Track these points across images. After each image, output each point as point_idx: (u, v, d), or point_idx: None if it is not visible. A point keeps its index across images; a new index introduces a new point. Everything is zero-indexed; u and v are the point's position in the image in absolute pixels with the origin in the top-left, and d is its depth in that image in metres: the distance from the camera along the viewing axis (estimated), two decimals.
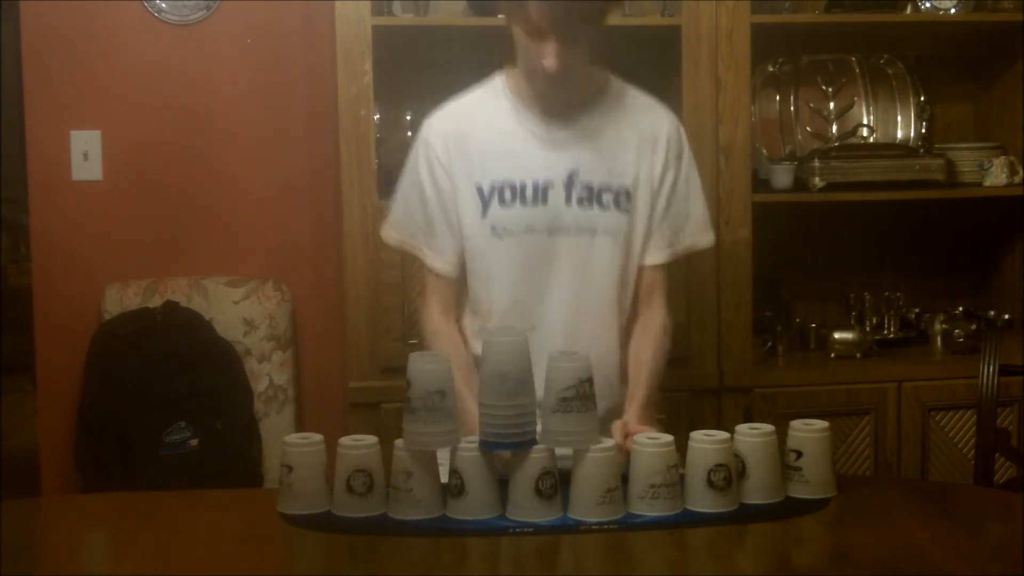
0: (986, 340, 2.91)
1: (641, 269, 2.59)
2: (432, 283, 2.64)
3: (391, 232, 2.67)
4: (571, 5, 2.37)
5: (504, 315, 2.54)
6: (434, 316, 2.62)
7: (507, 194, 2.52)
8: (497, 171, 2.53)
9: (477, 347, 2.48)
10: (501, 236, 2.53)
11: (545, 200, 2.51)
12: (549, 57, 2.39)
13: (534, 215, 2.51)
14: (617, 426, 2.41)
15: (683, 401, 3.45)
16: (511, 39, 2.47)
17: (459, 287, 2.62)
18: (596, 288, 2.55)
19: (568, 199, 2.51)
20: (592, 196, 2.52)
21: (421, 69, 3.68)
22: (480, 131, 2.56)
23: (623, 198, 2.53)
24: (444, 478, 2.25)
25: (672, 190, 2.58)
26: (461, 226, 2.56)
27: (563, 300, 2.54)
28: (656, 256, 2.59)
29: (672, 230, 2.60)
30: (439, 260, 2.60)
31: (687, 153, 2.62)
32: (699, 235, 2.64)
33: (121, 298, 3.66)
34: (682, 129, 2.64)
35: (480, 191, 2.53)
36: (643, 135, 2.57)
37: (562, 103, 2.53)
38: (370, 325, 3.39)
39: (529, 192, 2.51)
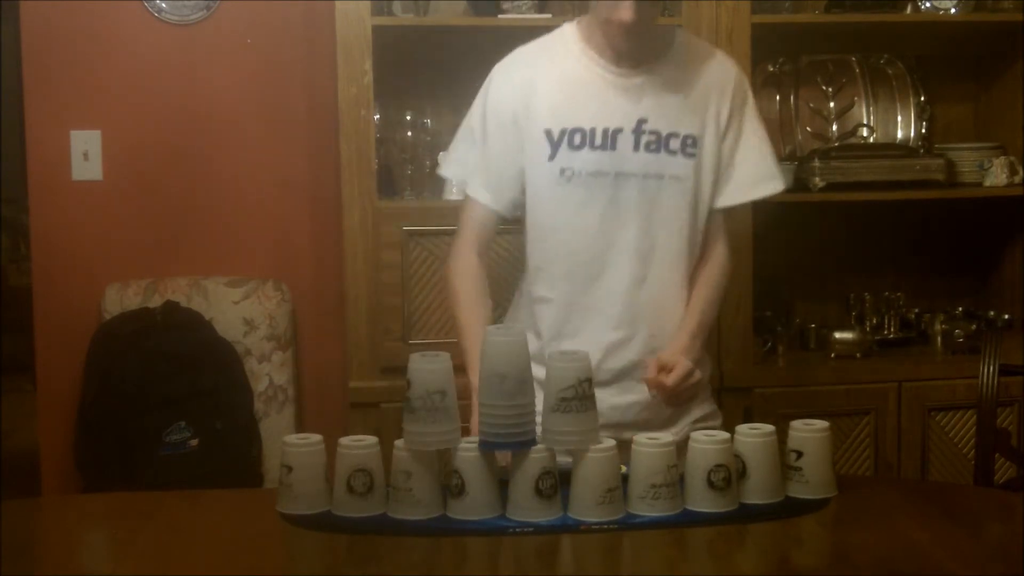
0: (986, 340, 2.91)
1: (710, 213, 2.63)
2: (471, 218, 2.67)
3: (448, 166, 2.75)
4: None
5: (567, 261, 2.59)
6: (465, 253, 2.65)
7: (576, 139, 2.56)
8: (566, 116, 2.57)
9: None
10: (569, 180, 2.56)
11: (614, 145, 2.55)
12: (626, 10, 2.45)
13: (603, 160, 2.55)
14: (651, 360, 2.51)
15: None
16: None
17: (496, 225, 2.68)
18: (664, 232, 2.59)
19: (636, 145, 2.55)
20: (660, 142, 2.56)
21: (421, 69, 3.68)
22: (550, 77, 2.61)
23: (690, 144, 2.57)
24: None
25: (738, 137, 2.63)
26: (526, 171, 2.60)
27: (631, 244, 2.58)
28: (724, 200, 2.63)
29: (739, 176, 2.63)
30: (485, 191, 2.64)
31: (751, 102, 2.67)
32: (767, 181, 2.68)
33: (121, 298, 3.66)
34: (746, 79, 2.69)
35: (549, 135, 2.57)
36: (709, 84, 2.61)
37: (633, 53, 2.56)
38: (370, 325, 3.39)
39: (599, 137, 2.55)
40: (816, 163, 3.63)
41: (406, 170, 3.60)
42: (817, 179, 3.62)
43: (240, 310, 3.68)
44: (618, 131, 2.55)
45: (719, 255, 2.67)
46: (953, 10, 3.68)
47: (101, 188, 3.73)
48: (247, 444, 3.59)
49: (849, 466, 3.52)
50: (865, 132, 3.94)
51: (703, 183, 2.60)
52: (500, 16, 3.49)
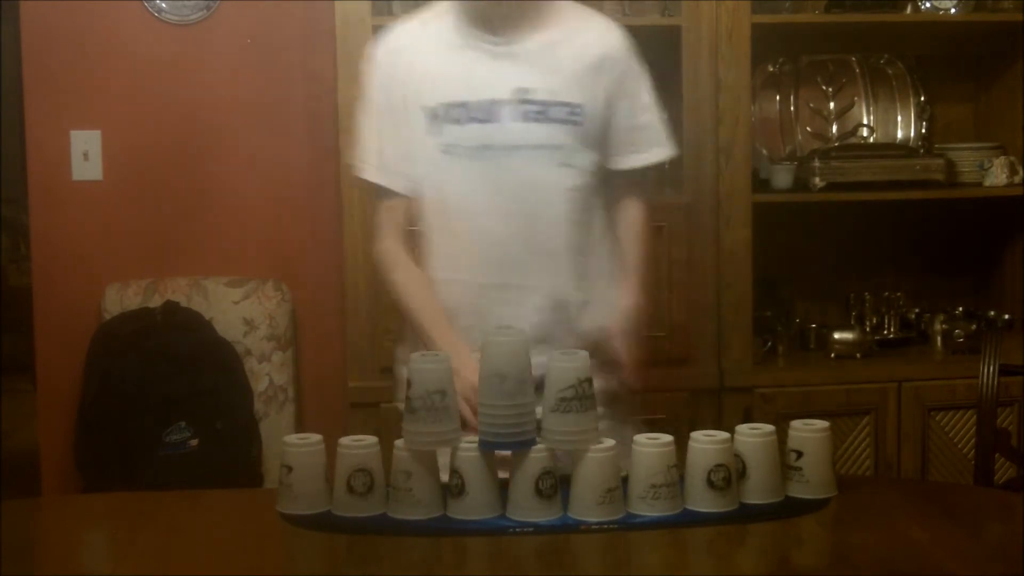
0: (986, 340, 2.91)
1: (614, 174, 2.60)
2: (385, 210, 2.61)
3: (363, 167, 2.62)
4: None
5: (461, 239, 2.54)
6: (385, 243, 2.61)
7: (457, 113, 2.51)
8: (447, 90, 2.52)
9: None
10: (454, 155, 2.52)
11: (496, 117, 2.51)
12: None
13: (486, 133, 2.50)
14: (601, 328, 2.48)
15: (683, 401, 3.46)
16: None
17: (411, 211, 2.60)
18: (550, 202, 2.54)
19: (519, 115, 2.50)
20: (544, 111, 2.51)
21: None
22: (428, 50, 2.56)
23: (575, 113, 2.52)
24: (444, 478, 2.25)
25: (625, 103, 2.57)
26: (415, 148, 2.55)
27: (520, 215, 2.53)
28: (619, 163, 2.60)
29: (628, 141, 2.59)
30: (384, 174, 2.58)
31: (637, 68, 2.60)
32: (656, 147, 2.63)
33: (121, 298, 3.66)
34: (631, 45, 2.60)
35: (430, 111, 2.52)
36: (592, 50, 2.55)
37: (510, 19, 2.52)
38: (370, 325, 3.39)
39: (480, 110, 2.51)
40: (816, 163, 3.64)
41: None
42: (817, 179, 3.62)
43: (240, 310, 3.68)
44: (499, 102, 2.50)
45: (633, 210, 2.64)
46: (953, 10, 3.68)
47: (101, 188, 3.73)
48: (247, 444, 3.59)
49: (849, 466, 3.52)
50: (865, 132, 3.94)
51: (589, 151, 2.55)
52: None
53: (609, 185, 2.61)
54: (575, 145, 2.53)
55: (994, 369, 2.83)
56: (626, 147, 2.60)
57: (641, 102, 2.61)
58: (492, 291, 2.54)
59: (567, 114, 2.52)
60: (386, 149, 2.58)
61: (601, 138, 2.57)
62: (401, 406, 2.46)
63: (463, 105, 2.51)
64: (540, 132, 2.51)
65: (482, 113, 2.51)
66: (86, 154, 3.71)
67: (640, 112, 2.60)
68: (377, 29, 3.33)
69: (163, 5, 3.71)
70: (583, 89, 2.53)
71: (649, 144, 2.63)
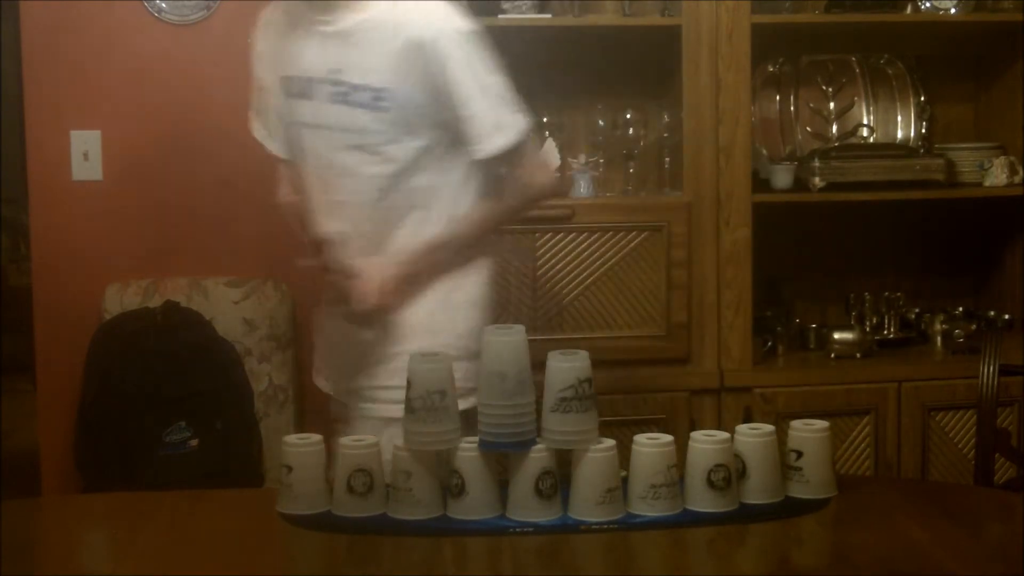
0: (986, 340, 2.91)
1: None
2: (280, 169, 2.80)
3: (253, 125, 2.79)
4: None
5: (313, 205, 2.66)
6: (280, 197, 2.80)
7: (287, 87, 2.60)
8: (284, 65, 2.60)
9: None
10: (288, 128, 2.64)
11: (311, 95, 2.56)
12: None
13: (300, 110, 2.58)
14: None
15: (683, 401, 3.46)
16: None
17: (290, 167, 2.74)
18: (351, 187, 2.57)
19: (327, 96, 2.54)
20: (348, 94, 2.52)
21: None
22: (282, 26, 2.63)
23: (380, 98, 2.50)
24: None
25: (449, 93, 2.50)
26: (278, 117, 2.68)
27: (332, 197, 2.59)
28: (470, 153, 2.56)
29: (463, 132, 2.53)
30: (272, 141, 2.74)
31: (459, 56, 2.49)
32: (478, 143, 2.53)
33: (121, 298, 3.65)
34: (461, 34, 2.50)
35: (277, 84, 2.63)
36: (405, 34, 2.49)
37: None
38: None
39: (299, 87, 2.57)
40: (816, 163, 3.63)
41: None
42: (817, 179, 3.62)
43: (240, 310, 3.68)
44: (313, 81, 2.55)
45: (473, 200, 2.62)
46: (953, 10, 3.68)
47: (101, 188, 3.73)
48: (247, 444, 3.59)
49: (849, 466, 3.52)
50: (865, 132, 3.94)
51: (405, 138, 2.53)
52: (500, 16, 3.48)
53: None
54: (381, 130, 2.53)
55: (994, 369, 2.83)
56: (464, 138, 2.55)
57: (461, 93, 2.50)
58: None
59: (371, 99, 2.51)
60: (268, 116, 2.71)
61: (432, 124, 2.53)
62: (322, 384, 2.72)
63: (289, 80, 2.60)
64: (342, 115, 2.54)
65: (299, 90, 2.58)
66: (86, 154, 3.71)
67: (461, 104, 2.51)
68: None
69: (163, 5, 3.71)
70: (394, 74, 2.50)
71: (473, 139, 2.53)
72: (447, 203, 2.59)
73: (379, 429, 2.45)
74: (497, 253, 2.81)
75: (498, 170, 2.60)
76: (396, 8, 2.52)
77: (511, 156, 2.56)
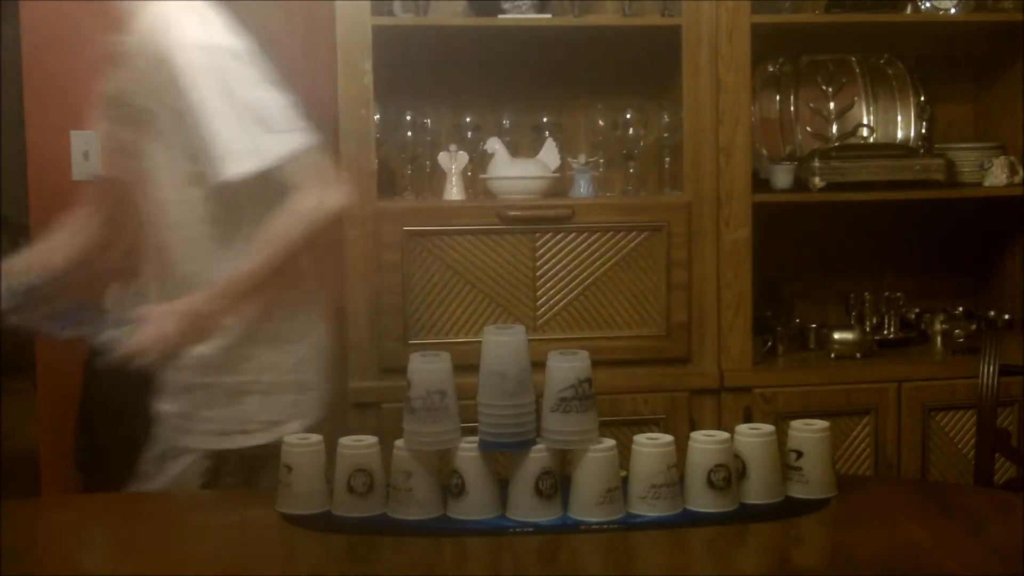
0: (986, 340, 2.91)
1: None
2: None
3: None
4: None
5: None
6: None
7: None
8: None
9: None
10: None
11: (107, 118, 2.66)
12: None
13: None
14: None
15: (683, 401, 3.46)
16: None
17: None
18: (148, 206, 2.60)
19: (107, 116, 2.61)
20: (133, 115, 2.55)
21: (421, 69, 3.68)
22: None
23: (145, 118, 2.53)
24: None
25: (186, 111, 2.46)
26: None
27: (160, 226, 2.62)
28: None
29: (191, 154, 2.50)
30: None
31: (204, 73, 2.45)
32: (227, 161, 2.46)
33: (122, 298, 3.64)
34: (208, 49, 2.49)
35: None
36: (157, 52, 2.48)
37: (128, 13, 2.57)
38: (370, 325, 3.38)
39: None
40: (816, 163, 3.63)
41: (406, 170, 3.60)
42: (817, 179, 3.62)
43: None
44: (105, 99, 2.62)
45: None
46: (953, 10, 3.67)
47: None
48: None
49: (849, 466, 3.52)
50: (865, 132, 3.94)
51: (170, 159, 2.53)
52: (500, 16, 3.48)
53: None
54: (156, 152, 2.55)
55: (994, 369, 2.83)
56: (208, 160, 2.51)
57: (202, 112, 2.45)
58: None
59: (142, 119, 2.56)
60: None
61: (169, 145, 2.54)
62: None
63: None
64: (132, 135, 2.58)
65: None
66: (86, 154, 3.71)
67: (203, 124, 2.45)
68: (377, 29, 3.36)
69: None
70: (153, 94, 2.52)
71: (214, 161, 2.47)
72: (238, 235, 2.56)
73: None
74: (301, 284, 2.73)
75: (268, 195, 2.52)
76: (151, 24, 2.53)
77: (273, 180, 2.49)
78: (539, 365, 2.25)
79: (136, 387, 3.43)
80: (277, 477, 2.27)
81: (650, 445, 2.23)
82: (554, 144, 3.62)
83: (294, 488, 2.25)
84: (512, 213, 3.40)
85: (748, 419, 3.37)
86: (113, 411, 3.45)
